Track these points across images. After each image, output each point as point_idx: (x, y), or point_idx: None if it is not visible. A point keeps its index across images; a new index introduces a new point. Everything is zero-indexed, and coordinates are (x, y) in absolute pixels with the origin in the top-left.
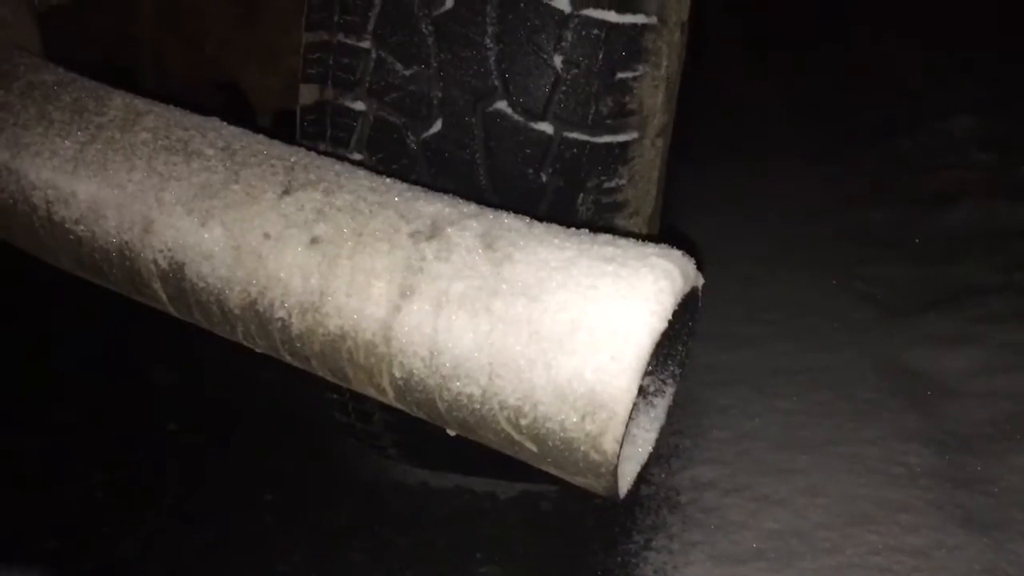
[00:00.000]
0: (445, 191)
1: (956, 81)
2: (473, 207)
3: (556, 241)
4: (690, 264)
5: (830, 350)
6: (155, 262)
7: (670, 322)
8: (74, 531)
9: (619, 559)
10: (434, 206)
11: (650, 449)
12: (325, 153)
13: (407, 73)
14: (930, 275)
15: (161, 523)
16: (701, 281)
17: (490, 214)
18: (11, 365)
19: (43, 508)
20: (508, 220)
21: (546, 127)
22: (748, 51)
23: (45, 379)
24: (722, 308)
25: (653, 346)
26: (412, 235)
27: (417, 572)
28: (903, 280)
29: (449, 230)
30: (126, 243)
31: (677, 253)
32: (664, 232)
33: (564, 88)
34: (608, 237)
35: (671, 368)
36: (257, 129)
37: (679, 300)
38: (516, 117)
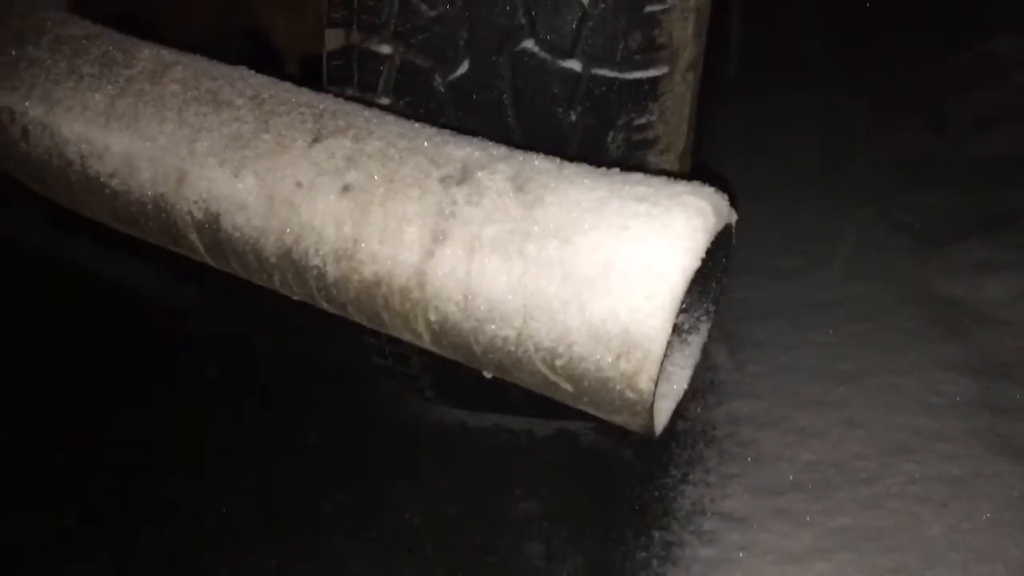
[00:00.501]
0: (473, 133)
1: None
2: (503, 150)
3: (587, 182)
4: (723, 200)
5: (866, 280)
6: (190, 213)
7: (703, 260)
8: (122, 473)
9: (656, 493)
10: (463, 150)
11: (685, 386)
12: (352, 98)
13: (432, 14)
14: (968, 201)
15: (209, 466)
16: (735, 217)
17: (520, 156)
18: (25, 338)
19: (87, 449)
20: (538, 162)
21: (574, 64)
22: None
23: (76, 328)
24: (756, 240)
25: (686, 285)
26: (443, 180)
27: (458, 508)
28: (941, 207)
29: (479, 174)
30: (161, 195)
31: (709, 190)
32: (696, 165)
33: (591, 24)
34: (639, 176)
35: (705, 305)
36: (284, 75)
37: (712, 238)
38: (543, 55)
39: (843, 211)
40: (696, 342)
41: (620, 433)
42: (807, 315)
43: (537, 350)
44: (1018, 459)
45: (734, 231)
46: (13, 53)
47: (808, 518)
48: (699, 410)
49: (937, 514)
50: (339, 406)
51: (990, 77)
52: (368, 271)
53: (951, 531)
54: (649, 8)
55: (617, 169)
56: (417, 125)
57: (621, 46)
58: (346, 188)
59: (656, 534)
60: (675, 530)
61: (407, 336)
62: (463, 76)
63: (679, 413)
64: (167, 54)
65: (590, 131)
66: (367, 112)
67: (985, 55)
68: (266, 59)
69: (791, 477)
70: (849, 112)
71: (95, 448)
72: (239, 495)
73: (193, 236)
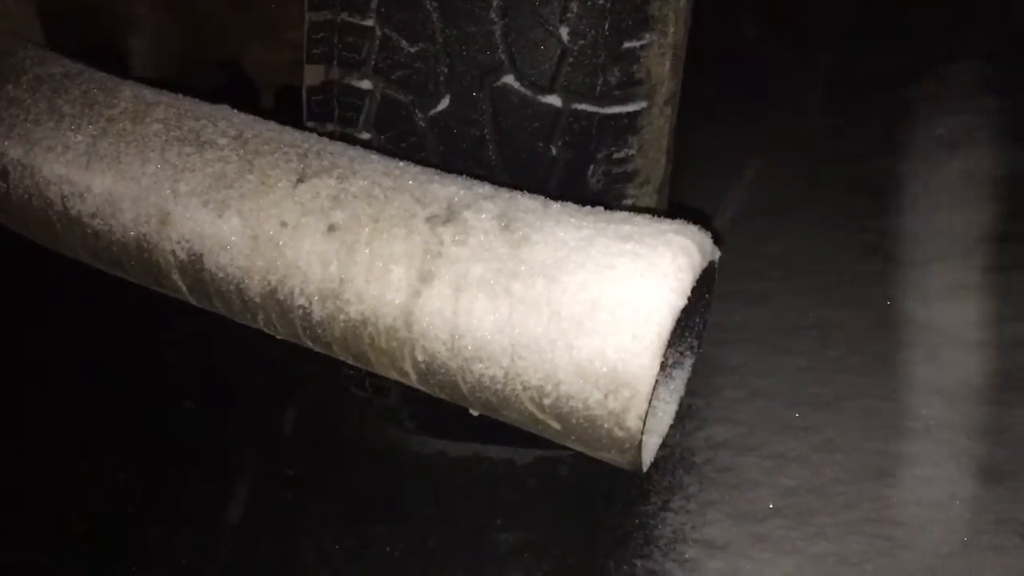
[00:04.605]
0: (455, 168)
1: (958, 25)
2: (488, 188)
3: (573, 220)
4: (707, 238)
5: (840, 304)
6: (173, 253)
7: (689, 298)
8: (98, 514)
9: (637, 521)
10: (449, 189)
11: (670, 420)
12: (333, 134)
13: (413, 50)
14: (938, 224)
15: (185, 504)
16: (718, 255)
17: (506, 195)
18: (23, 349)
19: (67, 491)
20: (524, 200)
21: (554, 100)
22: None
23: (58, 364)
24: (730, 265)
25: (673, 324)
26: (429, 219)
27: (439, 541)
28: (910, 230)
29: (465, 213)
30: (143, 235)
31: (693, 228)
32: (671, 196)
33: (571, 60)
34: (624, 215)
35: (689, 340)
36: (258, 107)
37: (697, 276)
38: (524, 91)
39: (814, 236)
40: (681, 376)
41: (601, 461)
42: (782, 340)
43: (525, 389)
44: (993, 482)
45: (717, 268)
46: None
47: (789, 545)
48: (678, 436)
49: (916, 539)
50: (318, 438)
51: (954, 100)
52: (354, 311)
53: (930, 556)
54: (628, 44)
55: (601, 207)
56: (402, 164)
57: (600, 82)
58: (332, 228)
59: (638, 563)
60: (657, 559)
61: (394, 375)
62: (444, 111)
63: None
64: (149, 93)
65: (571, 165)
66: (351, 151)
67: (948, 79)
68: (242, 90)
69: (771, 504)
70: (816, 137)
71: (66, 487)
72: (217, 533)
73: (176, 276)
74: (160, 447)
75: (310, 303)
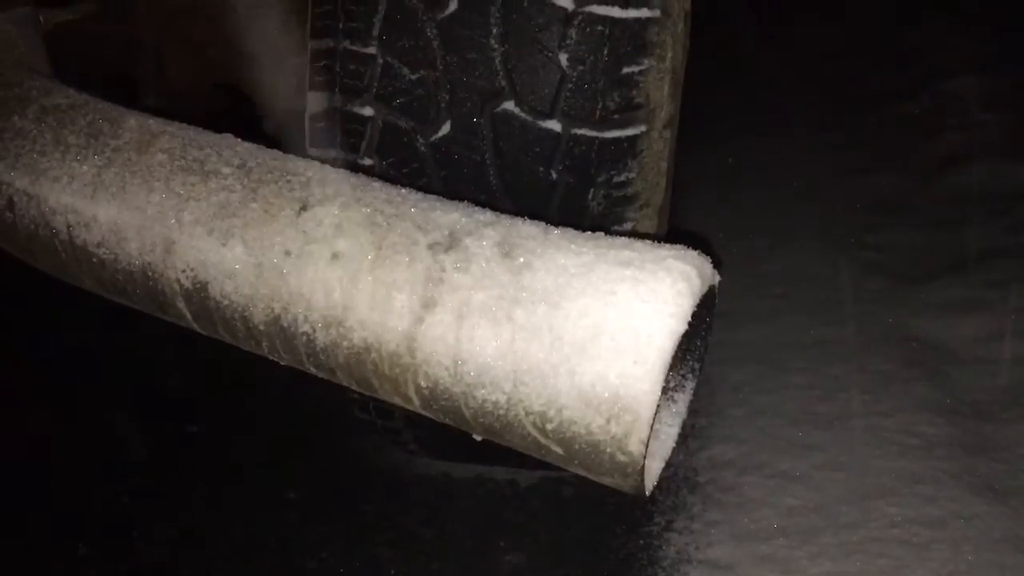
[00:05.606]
0: (456, 193)
1: (956, 40)
2: (489, 215)
3: (573, 247)
4: (706, 263)
5: (841, 322)
6: (178, 282)
7: (690, 322)
8: (103, 537)
9: (641, 542)
10: (450, 216)
11: (672, 444)
12: (336, 160)
13: (414, 77)
14: (938, 241)
15: (189, 527)
16: (718, 279)
17: (507, 221)
18: (27, 371)
19: (71, 515)
20: (525, 227)
21: (554, 125)
22: (746, 16)
23: (62, 387)
24: (731, 284)
25: (674, 348)
26: (431, 247)
27: (443, 563)
28: (911, 247)
29: (467, 240)
30: (149, 264)
31: (693, 253)
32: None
33: (571, 85)
34: (624, 240)
35: (690, 364)
36: (262, 132)
37: (697, 301)
38: (524, 116)
39: (816, 253)
40: (682, 399)
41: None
42: (784, 358)
43: (527, 414)
44: (996, 500)
45: (717, 292)
46: None
47: (793, 564)
48: (681, 456)
49: (920, 558)
50: (321, 460)
51: (952, 116)
52: (357, 338)
53: (933, 575)
54: (626, 70)
55: (602, 233)
56: (404, 191)
57: (600, 106)
58: (335, 256)
59: None
60: None
61: (397, 400)
62: (445, 137)
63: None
64: (153, 123)
65: (571, 189)
66: (354, 179)
67: (946, 95)
68: (245, 115)
69: (775, 523)
70: (815, 154)
71: (70, 511)
72: (221, 555)
73: (181, 304)
74: (164, 470)
75: (314, 330)
